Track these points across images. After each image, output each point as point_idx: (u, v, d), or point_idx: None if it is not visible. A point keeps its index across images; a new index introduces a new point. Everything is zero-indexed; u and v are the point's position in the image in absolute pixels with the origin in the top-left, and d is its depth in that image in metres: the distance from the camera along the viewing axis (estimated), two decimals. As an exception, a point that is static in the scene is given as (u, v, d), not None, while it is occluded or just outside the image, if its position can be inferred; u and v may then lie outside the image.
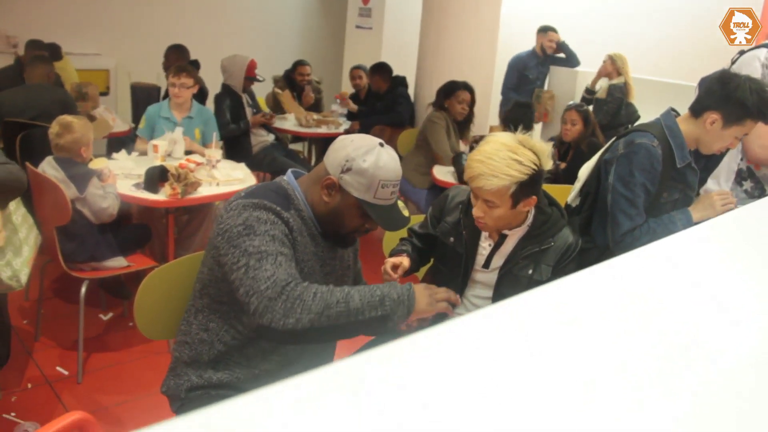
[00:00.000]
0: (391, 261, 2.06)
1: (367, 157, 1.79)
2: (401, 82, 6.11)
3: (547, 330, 0.74)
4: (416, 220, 2.59)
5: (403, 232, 2.43)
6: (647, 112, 5.33)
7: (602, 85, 5.88)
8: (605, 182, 2.47)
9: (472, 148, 5.06)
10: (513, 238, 2.19)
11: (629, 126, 5.54)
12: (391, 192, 1.84)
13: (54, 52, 5.97)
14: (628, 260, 1.03)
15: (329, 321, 1.63)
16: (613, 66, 5.78)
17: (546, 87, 6.58)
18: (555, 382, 0.62)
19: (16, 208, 2.86)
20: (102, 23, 7.54)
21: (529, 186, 2.00)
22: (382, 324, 1.67)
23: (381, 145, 1.84)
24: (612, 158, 2.46)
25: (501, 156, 1.96)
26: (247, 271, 1.67)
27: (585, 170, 2.63)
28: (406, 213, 1.93)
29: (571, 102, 4.73)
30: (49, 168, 3.25)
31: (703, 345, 0.76)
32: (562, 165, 4.39)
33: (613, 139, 2.57)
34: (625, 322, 0.80)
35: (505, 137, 2.03)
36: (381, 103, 6.06)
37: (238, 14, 8.69)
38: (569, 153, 4.50)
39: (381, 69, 6.22)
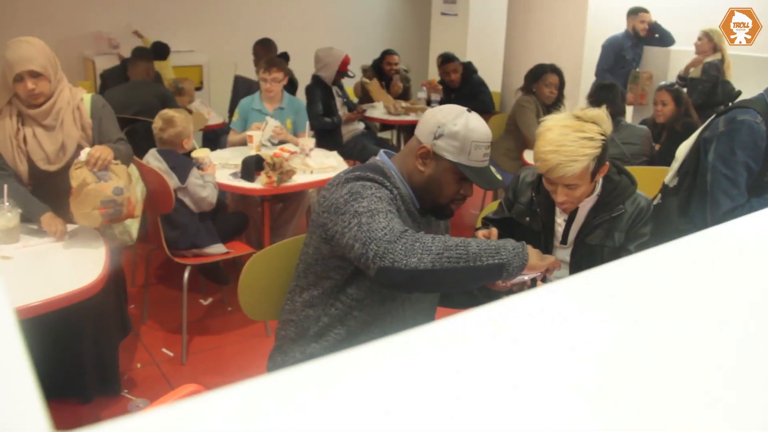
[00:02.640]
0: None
1: (458, 121, 1.85)
2: (472, 68, 6.05)
3: (638, 301, 0.75)
4: (492, 207, 2.60)
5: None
6: (747, 90, 5.12)
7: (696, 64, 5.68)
8: (705, 161, 2.41)
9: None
10: (584, 209, 2.19)
11: (728, 104, 5.34)
12: (484, 154, 1.87)
13: (161, 50, 6.28)
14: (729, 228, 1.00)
15: (450, 263, 1.61)
16: (710, 43, 5.56)
17: (640, 68, 6.40)
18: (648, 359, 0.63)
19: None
20: (194, 20, 7.79)
21: (603, 156, 2.01)
22: (498, 272, 1.66)
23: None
24: (712, 136, 2.39)
25: (571, 139, 1.96)
26: (360, 226, 1.68)
27: (683, 149, 2.57)
28: (498, 176, 1.96)
29: (662, 82, 4.59)
30: (152, 159, 3.42)
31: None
32: (657, 147, 4.28)
33: (713, 116, 2.49)
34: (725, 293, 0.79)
35: (563, 119, 2.02)
36: (456, 94, 6.01)
37: (326, 5, 8.80)
38: (663, 134, 4.37)
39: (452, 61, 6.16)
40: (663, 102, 4.29)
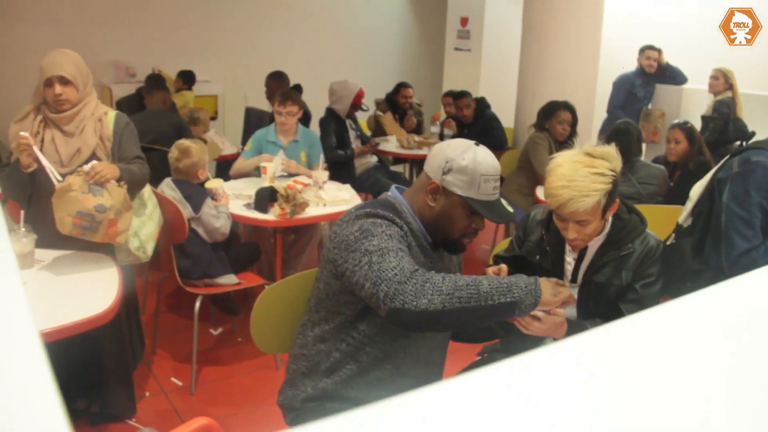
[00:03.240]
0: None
1: (466, 155, 1.86)
2: (485, 104, 6.10)
3: (659, 352, 0.74)
4: (504, 245, 2.60)
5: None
6: (759, 129, 5.13)
7: (708, 101, 5.70)
8: (719, 202, 2.40)
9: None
10: (593, 247, 2.18)
11: (742, 143, 5.34)
12: (494, 187, 1.88)
13: (189, 78, 6.43)
14: (746, 281, 1.00)
15: (460, 303, 1.61)
16: (726, 82, 5.58)
17: (652, 105, 6.42)
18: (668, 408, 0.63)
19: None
20: (210, 50, 7.89)
21: (613, 193, 2.01)
22: (511, 311, 1.66)
23: (476, 144, 1.90)
24: (726, 177, 2.39)
25: (582, 175, 1.96)
26: (371, 266, 1.69)
27: (697, 189, 2.57)
28: (509, 209, 1.95)
29: (675, 120, 4.61)
30: (167, 189, 3.44)
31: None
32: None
33: (727, 157, 2.49)
34: (742, 346, 0.79)
35: (573, 155, 2.03)
36: (468, 129, 6.04)
37: (340, 39, 8.90)
38: (676, 173, 4.37)
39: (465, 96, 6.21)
40: (676, 140, 4.29)
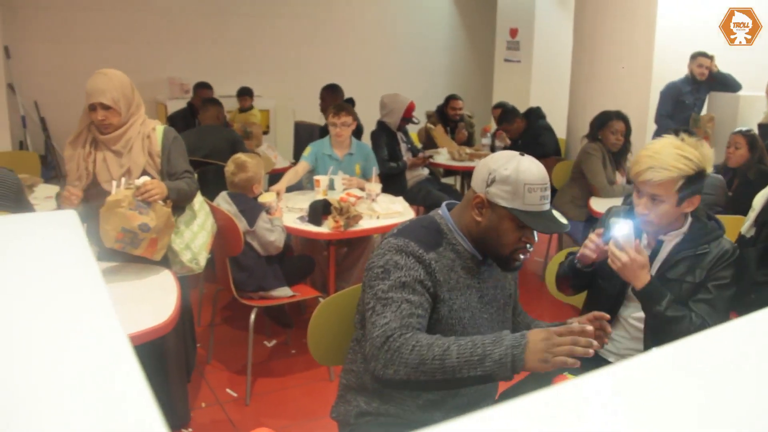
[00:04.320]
0: (576, 321, 1.96)
1: (508, 165, 1.80)
2: (538, 114, 6.03)
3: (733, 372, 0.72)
4: (560, 257, 2.57)
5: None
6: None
7: (766, 109, 5.55)
8: None
9: (630, 181, 4.92)
10: (669, 244, 2.23)
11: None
12: (540, 197, 1.80)
13: (250, 94, 6.73)
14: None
15: (425, 376, 1.60)
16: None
17: (703, 112, 6.27)
18: None
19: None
20: (261, 67, 8.03)
21: (694, 183, 2.08)
22: (483, 382, 1.61)
23: (521, 154, 1.84)
24: None
25: (668, 151, 2.08)
26: (372, 314, 1.73)
27: (760, 199, 2.51)
28: (562, 220, 1.87)
29: (740, 127, 4.49)
30: (223, 203, 3.49)
31: None
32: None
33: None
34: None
35: (671, 138, 2.15)
36: (520, 140, 5.99)
37: (389, 52, 8.97)
38: (734, 181, 4.26)
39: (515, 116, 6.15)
40: (736, 145, 4.19)
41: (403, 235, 1.85)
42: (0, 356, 0.71)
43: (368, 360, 1.68)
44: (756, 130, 5.44)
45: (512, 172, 1.79)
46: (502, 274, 2.04)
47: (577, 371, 2.26)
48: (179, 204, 2.89)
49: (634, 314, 2.30)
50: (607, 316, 1.90)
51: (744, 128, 4.36)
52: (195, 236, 2.99)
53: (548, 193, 1.83)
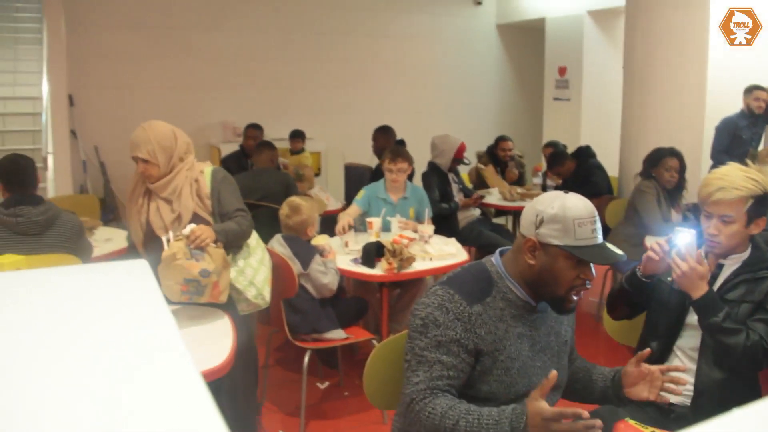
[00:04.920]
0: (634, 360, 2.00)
1: (554, 204, 1.81)
2: (589, 153, 5.98)
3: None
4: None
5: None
6: None
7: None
8: None
9: (685, 218, 4.84)
10: (729, 268, 2.28)
11: None
12: (592, 230, 1.80)
13: (302, 136, 6.84)
14: None
15: None
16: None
17: (761, 147, 6.16)
18: None
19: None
20: (312, 109, 8.18)
21: (762, 204, 2.19)
22: None
23: (565, 192, 1.86)
24: None
25: (736, 174, 2.20)
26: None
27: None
28: (617, 251, 1.84)
29: None
30: (277, 245, 3.55)
31: None
32: None
33: None
34: None
35: (734, 164, 2.29)
36: (572, 179, 5.94)
37: (439, 93, 9.05)
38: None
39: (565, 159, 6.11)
40: None
41: (450, 284, 1.87)
42: (86, 398, 0.74)
43: (398, 411, 1.83)
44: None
45: (559, 210, 1.80)
46: (557, 320, 2.02)
47: (640, 415, 2.23)
48: (234, 244, 2.92)
49: (690, 345, 2.30)
50: (683, 367, 1.96)
51: None
52: (256, 272, 3.01)
53: (599, 225, 1.83)
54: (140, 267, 1.26)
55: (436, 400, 1.73)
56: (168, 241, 2.72)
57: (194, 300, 2.72)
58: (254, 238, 3.12)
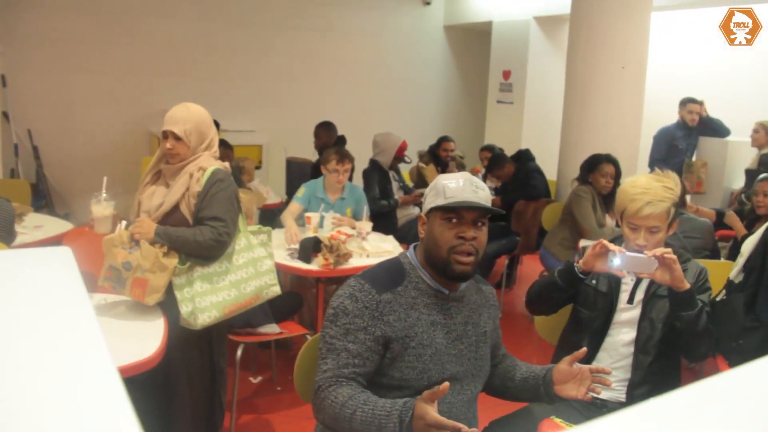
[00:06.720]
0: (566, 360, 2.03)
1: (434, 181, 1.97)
2: (528, 157, 6.08)
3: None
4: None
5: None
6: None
7: (753, 155, 5.64)
8: None
9: (618, 224, 4.95)
10: None
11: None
12: (461, 188, 1.88)
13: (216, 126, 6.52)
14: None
15: (342, 430, 1.77)
16: (765, 135, 5.53)
17: (695, 157, 6.37)
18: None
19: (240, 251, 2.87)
20: (255, 102, 8.09)
21: (677, 208, 2.35)
22: None
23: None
24: None
25: (656, 185, 2.33)
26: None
27: (749, 245, 2.55)
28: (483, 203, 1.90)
29: (762, 175, 4.55)
30: (213, 237, 3.49)
31: None
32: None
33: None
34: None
35: (646, 174, 2.44)
36: (510, 183, 6.03)
37: (384, 91, 9.05)
38: (754, 227, 4.27)
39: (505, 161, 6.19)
40: (765, 193, 4.24)
41: (363, 275, 1.95)
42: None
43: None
44: (745, 176, 5.53)
45: (434, 182, 1.96)
46: (475, 310, 2.06)
47: (567, 413, 2.28)
48: (184, 252, 2.69)
49: (623, 341, 2.42)
50: (609, 370, 1.97)
51: None
52: (206, 294, 2.72)
53: (474, 187, 1.89)
54: (62, 254, 1.22)
55: (339, 389, 1.79)
56: (127, 225, 2.67)
57: (118, 291, 2.66)
58: (248, 259, 2.85)
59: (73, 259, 1.22)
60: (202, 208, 2.72)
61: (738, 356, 2.45)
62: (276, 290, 2.95)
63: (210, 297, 2.72)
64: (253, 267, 2.86)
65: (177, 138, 2.72)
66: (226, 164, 2.88)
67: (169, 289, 2.68)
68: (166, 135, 2.74)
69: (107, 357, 0.80)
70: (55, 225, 4.17)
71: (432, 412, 1.62)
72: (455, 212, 1.88)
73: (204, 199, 2.72)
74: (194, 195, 2.73)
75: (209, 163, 2.79)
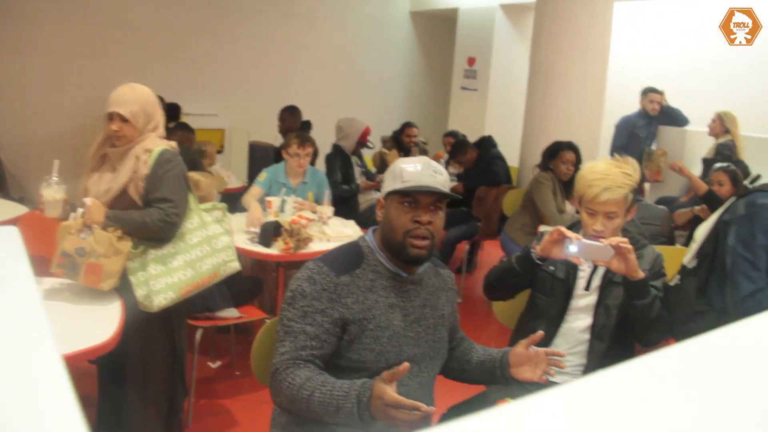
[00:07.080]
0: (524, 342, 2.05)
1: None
2: (491, 143, 6.11)
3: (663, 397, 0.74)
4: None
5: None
6: (763, 172, 5.14)
7: (710, 144, 5.75)
8: (724, 244, 2.41)
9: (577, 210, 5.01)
10: None
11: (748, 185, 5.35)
12: (417, 172, 1.88)
13: (174, 111, 6.43)
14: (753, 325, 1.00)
15: (301, 413, 1.78)
16: (721, 126, 5.64)
17: (655, 146, 6.46)
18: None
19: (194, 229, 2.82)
20: (218, 85, 8.00)
21: (634, 194, 2.37)
22: (351, 428, 1.72)
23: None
24: (732, 219, 2.40)
25: (614, 171, 2.34)
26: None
27: (702, 231, 2.58)
28: (442, 188, 1.90)
29: (717, 164, 4.63)
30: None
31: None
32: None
33: (733, 199, 2.51)
34: (746, 392, 0.78)
35: (605, 160, 2.44)
36: (472, 167, 6.06)
37: (348, 76, 9.01)
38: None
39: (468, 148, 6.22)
40: (719, 182, 4.32)
41: (322, 259, 1.95)
42: None
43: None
44: (702, 165, 5.63)
45: (393, 165, 1.97)
46: (434, 294, 2.07)
47: (521, 395, 2.30)
48: (136, 235, 2.66)
49: (579, 327, 2.46)
50: (563, 353, 2.01)
51: (723, 164, 4.49)
52: (160, 275, 2.68)
53: (432, 171, 1.90)
54: (9, 234, 1.19)
55: (297, 371, 1.78)
56: (83, 212, 2.61)
57: (72, 278, 2.60)
58: (202, 237, 2.80)
59: (20, 240, 1.19)
60: (150, 190, 2.68)
61: (690, 339, 2.49)
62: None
63: (165, 279, 2.69)
64: (209, 245, 2.80)
65: (124, 120, 2.66)
66: (173, 143, 2.83)
67: (125, 273, 2.65)
68: (111, 117, 2.67)
69: (51, 341, 0.79)
70: (9, 208, 4.08)
71: (390, 391, 1.62)
72: (412, 196, 1.88)
73: (152, 181, 2.68)
74: (142, 178, 2.68)
75: (155, 144, 2.74)
